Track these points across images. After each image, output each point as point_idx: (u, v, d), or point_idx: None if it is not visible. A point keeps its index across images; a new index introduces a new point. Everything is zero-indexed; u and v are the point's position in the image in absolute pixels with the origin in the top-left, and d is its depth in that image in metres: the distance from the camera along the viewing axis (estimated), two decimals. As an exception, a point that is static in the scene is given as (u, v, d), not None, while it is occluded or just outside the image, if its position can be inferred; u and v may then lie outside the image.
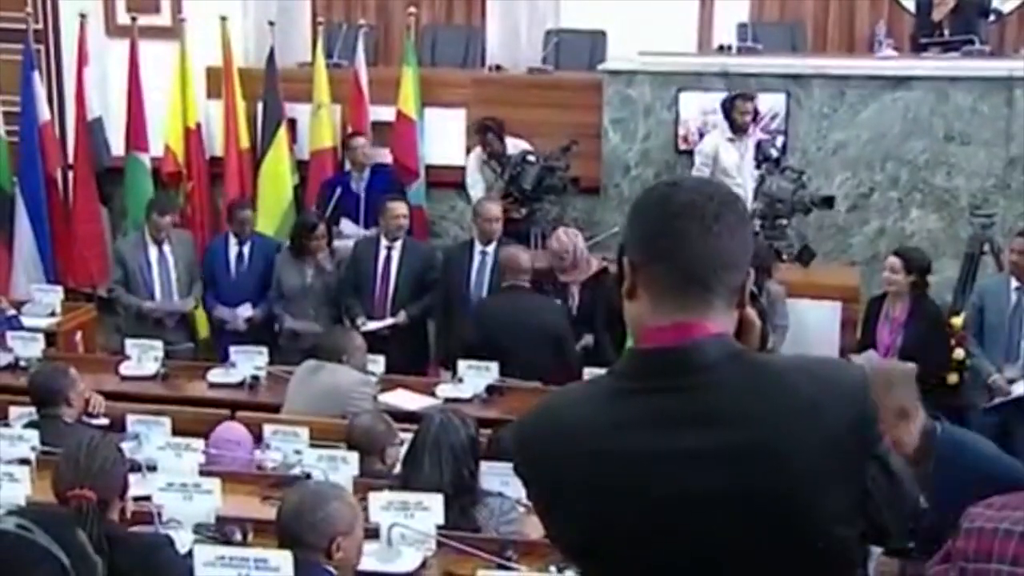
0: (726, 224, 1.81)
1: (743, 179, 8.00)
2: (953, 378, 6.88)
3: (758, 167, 8.02)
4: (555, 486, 1.85)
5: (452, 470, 4.45)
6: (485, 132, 8.71)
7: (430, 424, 4.54)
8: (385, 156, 9.24)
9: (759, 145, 8.15)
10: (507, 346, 6.58)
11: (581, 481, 1.80)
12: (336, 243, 7.97)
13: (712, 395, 1.76)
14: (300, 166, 9.40)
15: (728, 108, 8.21)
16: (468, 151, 9.08)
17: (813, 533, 1.73)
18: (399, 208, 7.67)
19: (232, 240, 8.07)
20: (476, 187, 8.89)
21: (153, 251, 7.92)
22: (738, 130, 8.17)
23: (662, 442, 1.74)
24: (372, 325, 7.39)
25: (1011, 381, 6.53)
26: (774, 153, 8.05)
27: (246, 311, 7.90)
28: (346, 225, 8.59)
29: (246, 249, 8.03)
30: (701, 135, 8.72)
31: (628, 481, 1.76)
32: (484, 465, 4.60)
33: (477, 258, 7.48)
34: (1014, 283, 6.63)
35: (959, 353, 6.84)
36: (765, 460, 1.72)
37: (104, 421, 5.60)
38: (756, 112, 8.23)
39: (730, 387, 1.76)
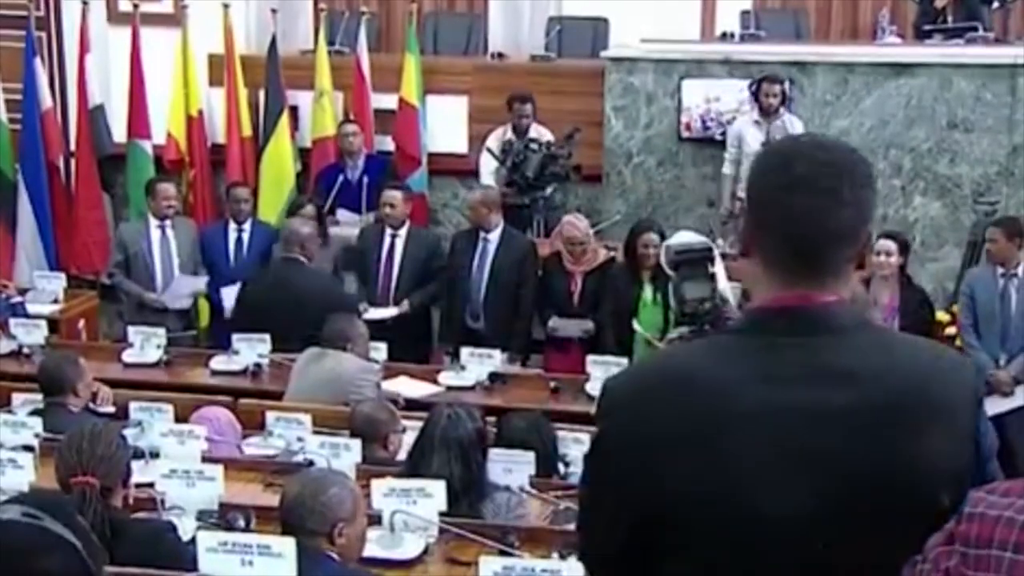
0: (842, 197, 1.78)
1: None
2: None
3: None
4: (668, 444, 1.77)
5: (461, 465, 4.46)
6: (523, 101, 8.67)
7: (438, 419, 4.54)
8: (387, 143, 9.25)
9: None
10: (272, 315, 6.63)
11: (701, 436, 1.75)
12: (333, 231, 7.97)
13: (844, 355, 1.77)
14: (302, 154, 9.41)
15: (755, 91, 8.22)
16: (473, 141, 9.06)
17: (926, 501, 1.76)
18: (389, 197, 7.67)
19: (231, 226, 8.07)
20: (487, 168, 8.86)
21: (155, 235, 7.89)
22: (765, 113, 8.17)
23: (796, 397, 1.74)
24: (375, 314, 7.40)
25: (1018, 382, 6.56)
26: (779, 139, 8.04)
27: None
28: (342, 214, 8.58)
29: (245, 236, 8.02)
30: (703, 123, 8.72)
31: (755, 435, 1.74)
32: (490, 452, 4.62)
33: (480, 245, 7.48)
34: (1000, 270, 6.73)
35: (960, 343, 6.85)
36: (895, 420, 1.75)
37: (110, 409, 5.61)
38: (784, 95, 8.20)
39: (860, 349, 1.78)
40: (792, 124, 8.19)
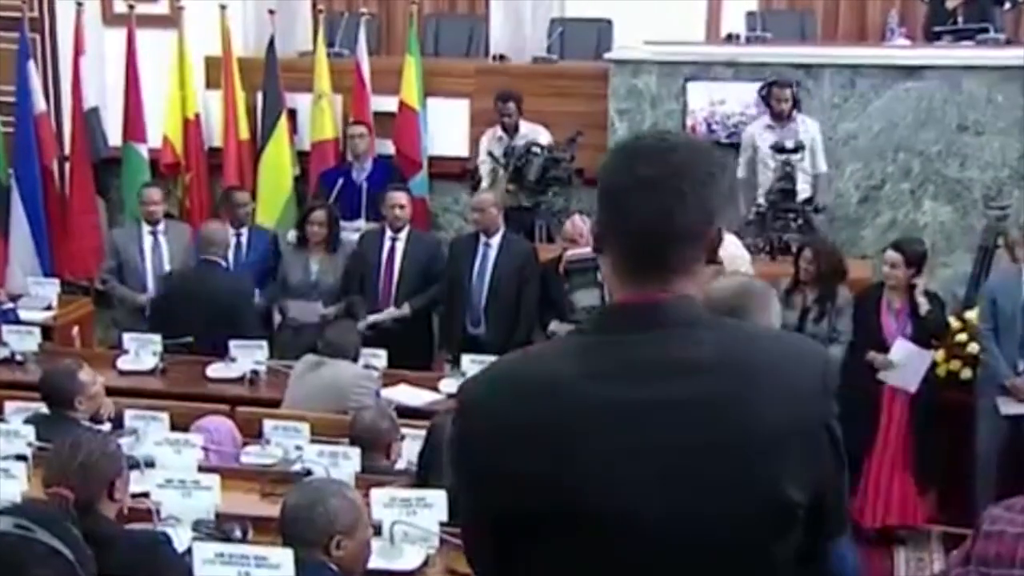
0: (683, 196, 1.81)
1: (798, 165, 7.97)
2: (967, 373, 6.86)
3: (780, 152, 7.98)
4: (513, 446, 1.80)
5: None
6: (506, 100, 8.67)
7: (444, 424, 4.52)
8: (387, 147, 9.23)
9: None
10: (188, 316, 6.88)
11: (544, 437, 1.78)
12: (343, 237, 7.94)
13: (685, 348, 1.80)
14: (301, 157, 9.39)
15: (766, 95, 8.21)
16: (479, 137, 9.05)
17: (770, 490, 1.76)
18: (397, 197, 7.64)
19: (230, 231, 8.03)
20: (484, 167, 8.86)
21: (147, 241, 7.89)
22: (777, 117, 8.16)
23: (634, 391, 1.77)
24: (374, 317, 7.38)
25: None
26: (789, 144, 8.01)
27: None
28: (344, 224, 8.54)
29: (244, 240, 8.00)
30: (708, 125, 8.71)
31: (597, 430, 1.76)
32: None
33: (481, 250, 7.47)
34: None
35: (973, 347, 6.82)
36: (735, 412, 1.76)
37: (105, 427, 5.56)
38: (795, 99, 8.19)
39: (702, 341, 1.81)
40: (807, 127, 8.17)
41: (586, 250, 2.22)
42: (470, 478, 1.90)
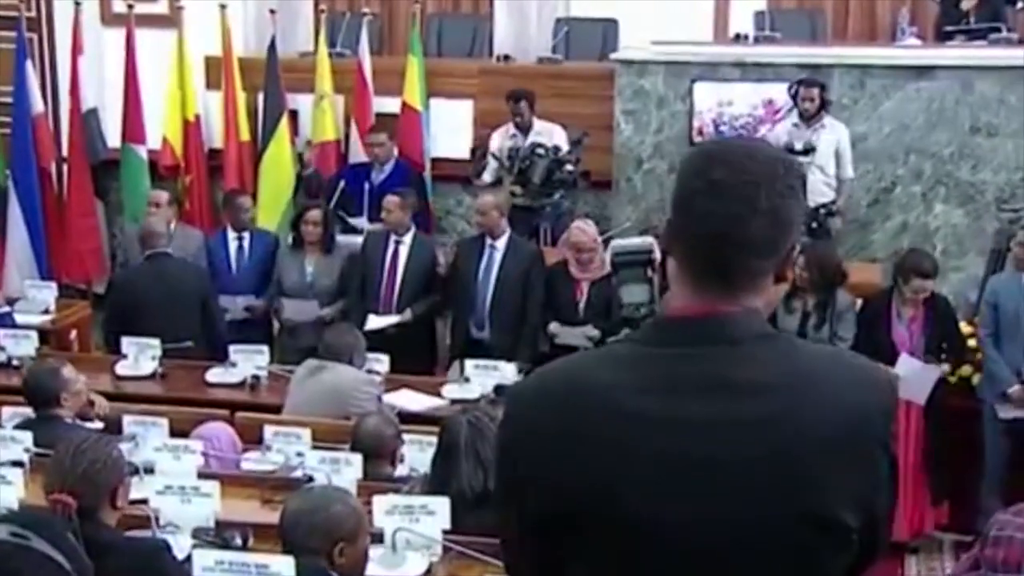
0: (757, 205, 1.79)
1: (813, 166, 7.95)
2: (977, 379, 6.85)
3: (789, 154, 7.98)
4: (561, 453, 1.80)
5: (491, 467, 4.43)
6: (518, 100, 8.67)
7: (458, 428, 4.49)
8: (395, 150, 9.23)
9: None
10: (151, 310, 6.99)
11: (594, 444, 1.78)
12: (340, 239, 7.94)
13: (744, 365, 1.78)
14: (302, 159, 9.39)
15: (794, 95, 8.20)
16: (478, 143, 9.05)
17: (820, 513, 1.75)
18: (388, 202, 7.63)
19: (231, 234, 8.06)
20: (488, 171, 8.88)
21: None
22: (804, 118, 8.15)
23: (689, 407, 1.76)
24: (375, 322, 7.38)
25: None
26: (798, 146, 8.00)
27: (246, 300, 7.87)
28: (358, 221, 8.53)
29: (246, 243, 8.01)
30: (716, 127, 8.71)
31: (646, 445, 1.76)
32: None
33: (487, 252, 7.46)
34: None
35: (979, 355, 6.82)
36: (792, 433, 1.75)
37: (98, 424, 5.57)
38: (823, 100, 8.17)
39: (757, 360, 1.79)
40: (833, 130, 8.15)
41: (634, 240, 2.20)
42: (516, 485, 1.88)
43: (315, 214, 7.76)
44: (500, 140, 8.81)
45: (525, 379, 1.98)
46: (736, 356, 1.78)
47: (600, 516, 1.77)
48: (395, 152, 8.95)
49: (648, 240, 2.33)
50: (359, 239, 8.00)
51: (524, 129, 8.70)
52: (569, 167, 8.47)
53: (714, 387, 1.77)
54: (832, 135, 8.14)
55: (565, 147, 8.56)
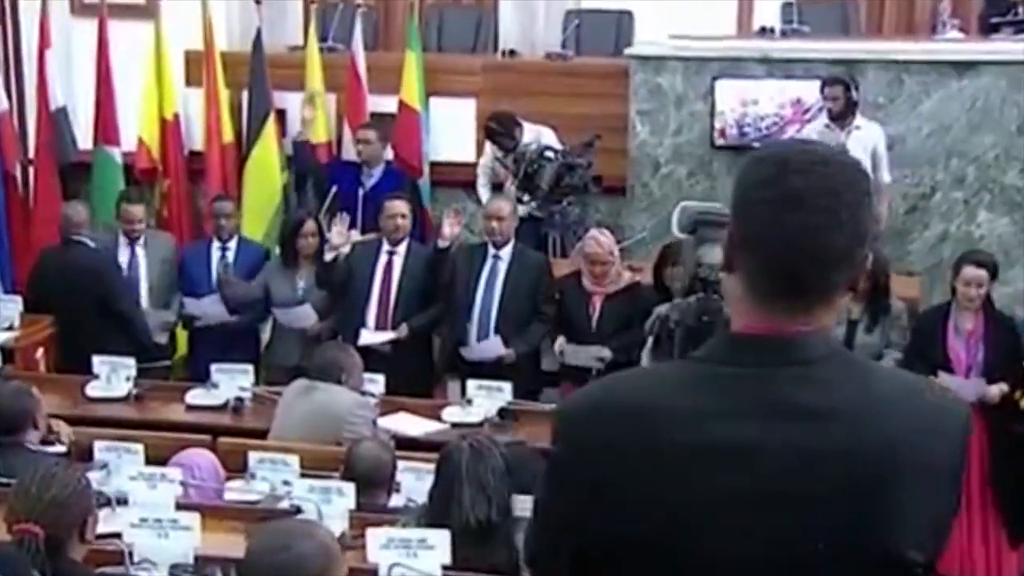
0: (839, 217, 1.80)
1: None
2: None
3: None
4: (620, 474, 1.82)
5: (497, 496, 4.43)
6: (491, 136, 8.68)
7: (459, 454, 4.49)
8: (385, 152, 9.21)
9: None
10: (53, 298, 7.55)
11: (652, 470, 1.80)
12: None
13: (811, 390, 1.80)
14: (290, 162, 9.39)
15: (822, 95, 8.18)
16: (481, 147, 9.05)
17: (888, 550, 1.79)
18: (397, 207, 7.63)
19: (215, 244, 8.05)
20: (483, 190, 8.89)
21: (124, 254, 7.93)
22: (832, 117, 8.13)
23: (752, 432, 1.78)
24: (369, 338, 7.37)
25: None
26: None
27: (215, 304, 7.88)
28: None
29: (230, 254, 8.01)
30: (739, 128, 8.71)
31: (715, 474, 1.78)
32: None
33: (489, 262, 7.45)
34: None
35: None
36: (862, 466, 1.78)
37: (60, 448, 5.56)
38: (851, 100, 8.14)
39: (831, 384, 1.81)
40: (868, 131, 8.11)
41: (712, 205, 2.24)
42: (560, 506, 1.91)
43: (312, 225, 7.81)
44: (492, 150, 8.81)
45: (579, 396, 1.99)
46: (811, 379, 1.81)
47: (649, 542, 1.80)
48: (384, 155, 8.95)
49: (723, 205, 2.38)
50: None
51: (513, 151, 8.65)
52: (580, 172, 8.45)
53: (788, 412, 1.79)
54: (866, 137, 8.12)
55: (556, 147, 8.53)
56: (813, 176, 1.81)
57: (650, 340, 6.09)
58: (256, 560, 3.60)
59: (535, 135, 8.63)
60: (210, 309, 7.87)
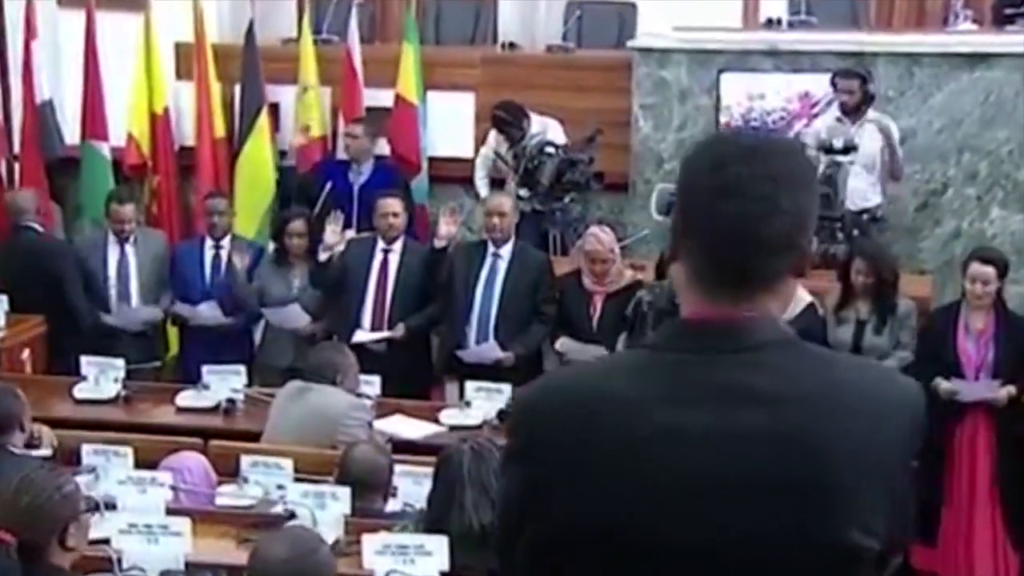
0: (778, 204, 1.84)
1: (858, 167, 7.92)
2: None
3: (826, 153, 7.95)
4: (571, 463, 1.87)
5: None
6: (499, 126, 8.67)
7: (459, 457, 4.48)
8: (382, 147, 9.21)
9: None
10: (12, 286, 7.67)
11: (606, 457, 1.85)
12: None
13: (759, 374, 1.84)
14: (284, 157, 9.38)
15: (834, 87, 8.16)
16: (482, 142, 9.04)
17: (839, 536, 1.81)
18: (389, 204, 7.63)
19: (208, 243, 8.04)
20: (481, 183, 8.88)
21: (113, 252, 7.93)
22: (845, 112, 8.11)
23: (703, 417, 1.82)
24: (362, 336, 7.36)
25: None
26: (837, 144, 7.97)
27: (212, 309, 7.86)
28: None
29: (223, 252, 7.99)
30: (746, 123, 8.70)
31: (660, 458, 1.83)
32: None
33: (488, 260, 7.45)
34: None
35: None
36: (811, 450, 1.81)
37: (46, 452, 5.55)
38: (867, 93, 8.11)
39: (778, 369, 1.85)
40: (882, 126, 8.08)
41: None
42: (517, 495, 1.97)
43: (298, 224, 7.77)
44: (496, 142, 8.80)
45: (534, 387, 2.03)
46: (759, 364, 1.85)
47: (606, 530, 1.85)
48: (374, 151, 8.94)
49: None
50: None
51: (518, 142, 8.64)
52: (581, 167, 8.44)
53: (736, 398, 1.83)
54: (878, 131, 8.10)
55: (561, 140, 8.52)
56: (752, 163, 1.85)
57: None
58: (282, 567, 3.61)
59: (542, 127, 8.63)
60: (207, 314, 7.84)
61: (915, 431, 1.90)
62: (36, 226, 8.01)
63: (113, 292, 7.90)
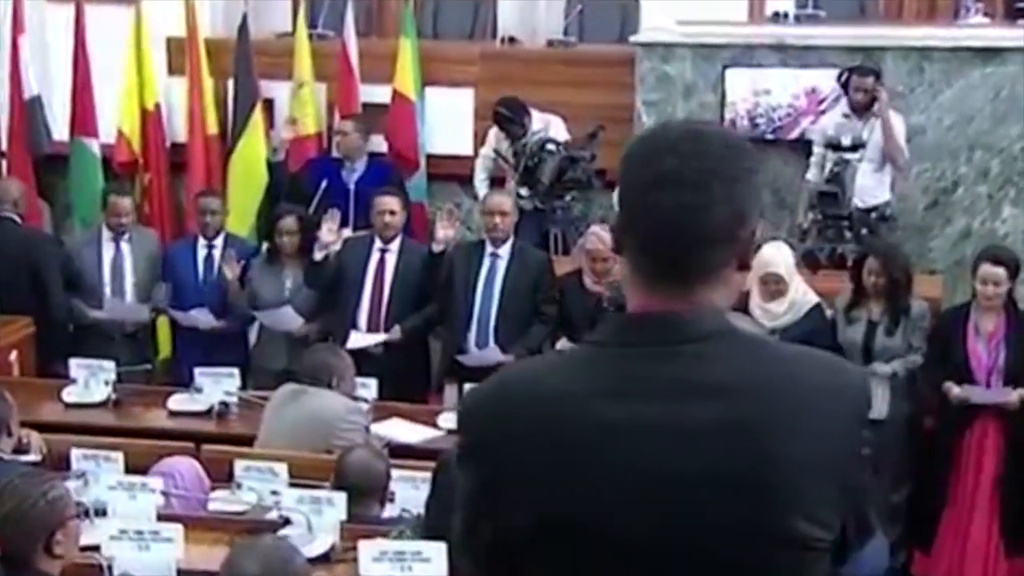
0: (712, 195, 1.87)
1: (866, 164, 7.91)
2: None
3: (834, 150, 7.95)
4: (519, 461, 1.90)
5: None
6: (499, 123, 8.66)
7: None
8: (379, 144, 9.20)
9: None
10: None
11: (550, 454, 1.88)
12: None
13: (706, 366, 1.87)
14: (274, 153, 9.35)
15: (845, 83, 8.15)
16: (481, 140, 9.03)
17: (787, 527, 1.84)
18: (387, 203, 7.62)
19: (200, 242, 8.03)
20: (481, 183, 8.88)
21: (108, 249, 7.93)
22: (855, 108, 8.10)
23: (646, 411, 1.85)
24: (359, 340, 7.34)
25: None
26: (845, 141, 7.97)
27: (204, 315, 7.85)
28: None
29: (216, 252, 7.98)
30: (751, 119, 8.69)
31: (603, 454, 1.85)
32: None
33: (487, 260, 7.44)
34: None
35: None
36: (756, 441, 1.84)
37: (35, 457, 5.53)
38: (877, 90, 8.09)
39: (722, 360, 1.88)
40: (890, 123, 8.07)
41: None
42: (470, 496, 1.99)
43: (289, 222, 7.74)
44: (496, 139, 8.79)
45: (481, 386, 2.05)
46: (701, 355, 1.87)
47: (554, 526, 1.88)
48: (367, 148, 8.91)
49: None
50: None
51: (519, 136, 8.63)
52: (583, 165, 8.44)
53: (680, 390, 1.85)
54: (890, 130, 8.08)
55: (563, 137, 8.52)
56: (687, 154, 1.88)
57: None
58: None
59: (544, 124, 8.63)
60: (200, 320, 7.82)
61: (862, 421, 1.95)
62: (15, 216, 7.98)
63: (108, 290, 7.89)
